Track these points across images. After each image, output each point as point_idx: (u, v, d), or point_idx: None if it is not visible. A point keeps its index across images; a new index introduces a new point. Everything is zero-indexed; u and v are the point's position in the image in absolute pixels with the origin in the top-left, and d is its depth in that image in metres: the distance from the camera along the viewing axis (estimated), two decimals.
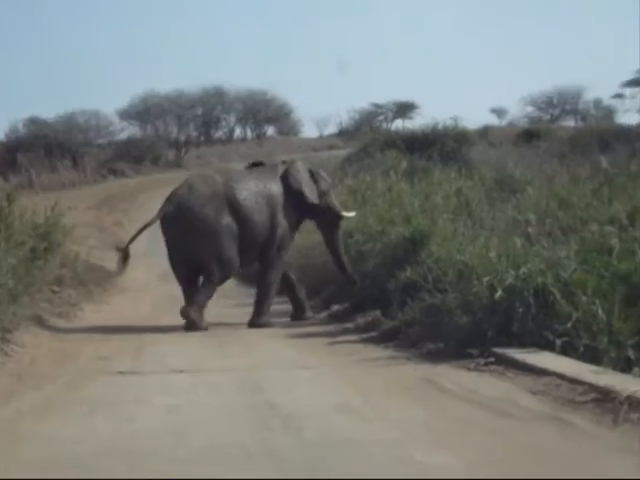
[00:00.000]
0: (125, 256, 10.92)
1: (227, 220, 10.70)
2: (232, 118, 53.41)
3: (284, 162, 11.94)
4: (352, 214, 12.12)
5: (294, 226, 11.48)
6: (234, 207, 10.77)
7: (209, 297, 10.75)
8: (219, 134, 52.99)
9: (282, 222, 11.14)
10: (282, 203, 11.17)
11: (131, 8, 75.29)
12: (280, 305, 11.60)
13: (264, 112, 53.03)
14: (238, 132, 54.28)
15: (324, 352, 8.61)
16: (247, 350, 8.96)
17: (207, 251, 10.61)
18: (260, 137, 52.57)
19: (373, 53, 76.89)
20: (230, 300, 12.73)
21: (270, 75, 79.61)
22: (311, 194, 11.38)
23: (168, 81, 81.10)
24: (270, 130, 55.39)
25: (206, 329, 10.41)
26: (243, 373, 7.39)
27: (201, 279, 10.85)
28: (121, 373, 7.47)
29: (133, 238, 11.08)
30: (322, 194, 11.64)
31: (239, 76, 67.50)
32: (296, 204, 11.27)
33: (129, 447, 4.94)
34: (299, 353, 8.67)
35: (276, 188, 11.21)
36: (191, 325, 10.38)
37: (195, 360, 8.28)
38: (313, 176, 11.68)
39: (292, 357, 8.46)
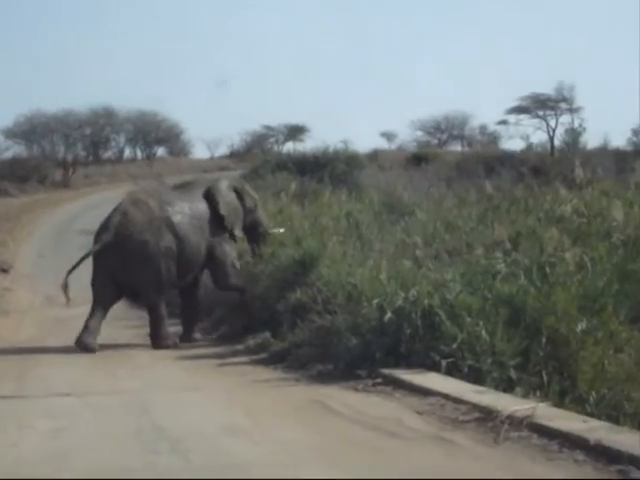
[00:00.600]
0: (65, 286, 10.72)
1: (165, 244, 10.72)
2: (122, 138, 52.85)
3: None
4: (280, 230, 12.22)
5: (228, 241, 11.47)
6: (171, 230, 10.80)
7: (164, 320, 10.78)
8: (108, 154, 52.33)
9: (215, 240, 11.21)
10: (210, 222, 11.23)
11: (17, 24, 73.56)
12: (172, 327, 11.46)
13: (154, 133, 52.61)
14: (128, 152, 53.75)
15: (213, 374, 8.57)
16: (135, 372, 8.84)
17: (146, 277, 10.62)
18: (150, 158, 52.07)
19: (265, 75, 77.16)
20: (121, 322, 12.51)
21: (160, 95, 78.91)
22: (228, 216, 11.38)
23: (56, 100, 79.27)
24: (160, 151, 54.99)
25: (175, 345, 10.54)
26: (131, 395, 7.28)
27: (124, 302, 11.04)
28: (2, 397, 7.26)
29: (72, 269, 10.88)
30: (248, 211, 11.74)
31: (128, 96, 66.74)
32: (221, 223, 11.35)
33: (12, 474, 4.80)
34: (188, 375, 8.60)
35: (203, 208, 11.27)
36: (87, 350, 10.13)
37: (81, 382, 8.11)
38: (238, 194, 11.72)
39: (181, 379, 8.38)
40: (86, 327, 10.38)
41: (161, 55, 78.10)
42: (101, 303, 10.73)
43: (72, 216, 31.49)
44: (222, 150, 55.03)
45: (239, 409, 6.61)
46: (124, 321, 12.71)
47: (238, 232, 11.56)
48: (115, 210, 10.96)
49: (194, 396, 7.30)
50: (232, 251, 11.47)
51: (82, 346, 10.16)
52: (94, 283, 10.86)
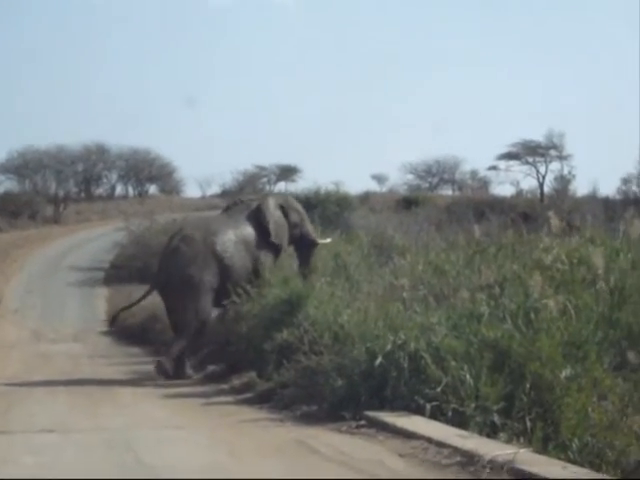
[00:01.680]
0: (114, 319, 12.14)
1: (209, 277, 11.17)
2: (114, 175, 53.06)
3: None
4: (328, 240, 12.92)
5: (275, 258, 11.96)
6: (216, 260, 11.27)
7: (183, 348, 11.05)
8: (100, 191, 52.49)
9: (264, 261, 11.67)
10: (259, 242, 11.73)
11: (10, 59, 73.91)
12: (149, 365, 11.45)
13: (147, 170, 52.84)
14: (119, 189, 53.92)
15: (198, 413, 8.55)
16: (119, 410, 8.81)
17: (188, 307, 11.03)
18: (142, 195, 52.22)
19: (259, 115, 77.64)
20: (104, 359, 12.50)
21: (153, 133, 79.30)
22: (277, 235, 11.88)
23: (49, 136, 79.55)
24: (152, 188, 55.18)
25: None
26: (114, 433, 7.27)
27: None
28: None
29: (129, 306, 12.16)
30: (294, 225, 12.28)
31: (122, 133, 67.24)
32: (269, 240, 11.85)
33: None
34: (172, 413, 8.58)
35: (250, 230, 11.75)
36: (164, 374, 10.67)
37: (66, 419, 8.10)
38: (284, 210, 12.22)
39: (165, 417, 8.36)
40: (168, 353, 10.94)
41: (154, 94, 78.51)
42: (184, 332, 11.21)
43: (62, 252, 31.55)
44: (214, 189, 55.27)
45: (222, 448, 6.60)
46: (108, 358, 12.70)
47: (286, 246, 12.17)
48: (166, 247, 11.71)
49: (178, 435, 7.28)
50: (270, 264, 11.83)
51: (161, 370, 10.67)
52: (169, 317, 11.59)
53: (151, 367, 11.11)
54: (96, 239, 34.52)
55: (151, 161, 53.18)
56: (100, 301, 22.98)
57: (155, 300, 16.39)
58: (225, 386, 9.98)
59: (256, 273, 11.52)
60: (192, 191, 57.30)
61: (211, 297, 11.27)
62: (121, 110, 75.14)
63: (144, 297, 11.83)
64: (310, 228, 12.77)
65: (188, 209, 41.74)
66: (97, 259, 29.72)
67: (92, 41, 79.06)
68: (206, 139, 74.21)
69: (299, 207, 12.80)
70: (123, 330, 17.15)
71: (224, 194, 52.04)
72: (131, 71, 80.00)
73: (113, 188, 53.67)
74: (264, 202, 12.21)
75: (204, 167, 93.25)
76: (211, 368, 11.21)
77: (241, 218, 11.91)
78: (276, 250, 12.01)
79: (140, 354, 14.05)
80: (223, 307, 11.57)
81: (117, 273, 26.22)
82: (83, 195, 50.22)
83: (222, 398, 9.36)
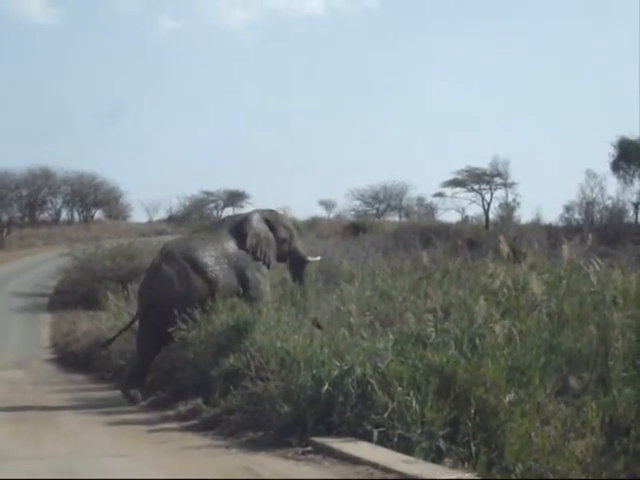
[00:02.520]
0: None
1: (195, 291, 11.14)
2: (59, 200, 52.51)
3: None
4: (317, 259, 12.79)
5: (260, 269, 11.88)
6: (199, 275, 11.27)
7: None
8: (44, 216, 51.87)
9: (251, 276, 11.63)
10: (243, 256, 11.70)
11: None
12: (99, 392, 11.32)
13: (92, 195, 52.38)
14: (65, 214, 53.35)
15: (142, 440, 8.45)
16: (63, 437, 8.68)
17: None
18: (87, 220, 51.72)
19: (207, 140, 77.57)
20: (47, 386, 12.31)
21: (99, 158, 78.69)
22: (255, 246, 11.84)
23: None
24: (98, 213, 54.70)
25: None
26: (58, 460, 7.16)
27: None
28: None
29: (128, 326, 11.92)
30: (282, 241, 12.23)
31: (67, 158, 66.70)
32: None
33: None
34: (117, 441, 8.47)
35: (232, 244, 11.72)
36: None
37: (8, 447, 7.96)
38: (270, 224, 12.19)
39: (109, 445, 8.25)
40: (130, 379, 10.98)
41: (99, 118, 77.97)
42: (146, 357, 11.28)
43: (4, 278, 31.07)
44: (161, 214, 54.96)
45: (166, 476, 6.53)
46: (52, 385, 12.51)
47: (272, 261, 12.06)
48: (149, 268, 11.80)
49: (122, 462, 7.20)
50: (262, 281, 11.83)
51: (128, 398, 10.71)
52: (138, 339, 11.50)
53: (95, 394, 10.99)
54: (40, 265, 34.07)
55: (97, 186, 52.78)
56: (44, 327, 22.66)
57: (101, 326, 16.29)
58: (170, 412, 9.90)
59: (245, 288, 11.51)
60: (139, 216, 56.89)
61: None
62: (67, 134, 74.50)
63: (135, 319, 11.77)
64: (300, 245, 12.75)
65: (135, 234, 41.38)
66: (41, 285, 29.32)
67: (36, 62, 78.38)
68: (153, 164, 73.97)
69: (289, 223, 12.80)
70: (67, 357, 16.94)
71: (171, 219, 51.83)
72: (77, 94, 79.49)
73: (58, 213, 53.18)
74: (248, 215, 12.29)
75: (151, 192, 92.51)
76: (157, 394, 11.11)
77: (223, 233, 11.93)
78: (265, 265, 11.96)
79: (84, 381, 13.88)
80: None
81: (61, 299, 25.89)
82: (27, 220, 49.57)
83: (167, 425, 9.28)
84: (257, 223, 12.09)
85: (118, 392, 11.38)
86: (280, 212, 13.17)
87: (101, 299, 19.61)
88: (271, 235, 12.15)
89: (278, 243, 12.21)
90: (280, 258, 12.38)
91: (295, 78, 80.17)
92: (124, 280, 20.07)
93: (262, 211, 12.61)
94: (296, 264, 12.49)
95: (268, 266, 12.03)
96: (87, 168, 53.25)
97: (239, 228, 11.93)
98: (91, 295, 22.95)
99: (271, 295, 11.82)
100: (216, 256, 11.52)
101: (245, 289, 11.50)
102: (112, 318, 16.27)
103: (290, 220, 13.12)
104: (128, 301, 15.93)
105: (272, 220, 12.38)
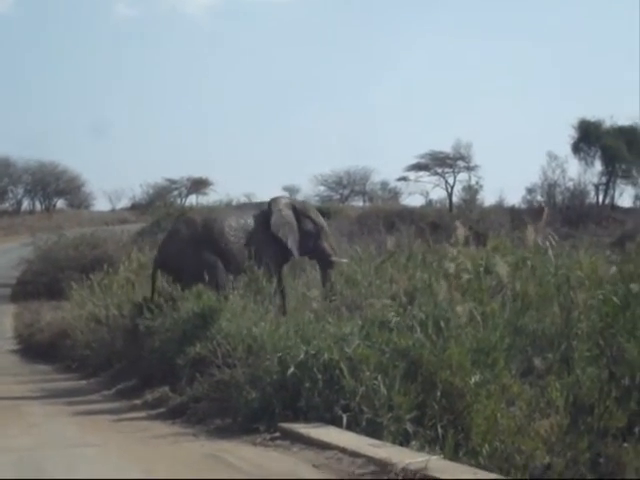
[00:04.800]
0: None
1: (206, 257, 11.15)
2: (20, 190, 51.94)
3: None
4: (344, 261, 12.15)
5: (282, 260, 11.78)
6: (213, 243, 11.29)
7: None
8: (5, 206, 51.29)
9: (268, 258, 11.31)
10: (264, 238, 11.53)
11: None
12: (64, 382, 11.25)
13: (54, 184, 51.84)
14: (26, 204, 52.80)
15: (109, 430, 8.41)
16: (28, 429, 8.60)
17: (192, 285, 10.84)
18: (49, 209, 51.20)
19: (170, 128, 77.03)
20: (11, 377, 12.21)
21: (61, 147, 77.83)
22: (277, 225, 11.69)
23: None
24: (60, 203, 54.17)
25: None
26: (23, 453, 7.09)
27: None
28: None
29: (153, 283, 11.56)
30: (308, 234, 11.90)
31: (28, 147, 66.02)
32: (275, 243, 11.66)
33: None
34: (83, 431, 8.42)
35: (253, 222, 11.66)
36: None
37: None
38: (296, 213, 11.91)
39: (76, 435, 8.20)
40: None
41: (62, 107, 77.13)
42: None
43: None
44: (124, 203, 54.55)
45: (134, 465, 6.51)
46: (16, 376, 12.42)
47: (294, 250, 11.80)
48: (169, 231, 12.23)
49: (89, 453, 7.15)
50: (279, 257, 11.69)
51: None
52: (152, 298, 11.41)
53: (60, 384, 10.92)
54: (2, 255, 33.74)
55: (59, 175, 52.22)
56: (7, 318, 22.48)
57: (65, 316, 16.18)
58: (137, 401, 9.86)
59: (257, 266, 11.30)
60: (101, 205, 56.41)
61: (217, 272, 11.18)
62: (28, 124, 73.62)
63: (154, 281, 11.63)
64: (328, 245, 12.22)
65: (98, 223, 41.09)
66: (3, 275, 29.05)
67: None
68: (115, 152, 73.35)
69: (319, 219, 12.34)
70: (31, 347, 16.82)
71: (134, 207, 51.45)
72: (39, 83, 78.53)
73: (19, 203, 52.62)
74: (276, 198, 12.21)
75: (114, 180, 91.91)
76: (123, 383, 11.07)
77: (249, 211, 11.97)
78: (283, 251, 11.74)
79: (49, 371, 13.79)
80: None
81: (24, 289, 25.68)
82: None
83: (134, 414, 9.25)
84: (283, 207, 11.95)
85: (84, 382, 11.34)
86: (309, 204, 13.03)
87: (65, 289, 19.44)
88: (295, 223, 11.91)
89: (301, 234, 11.93)
90: (303, 251, 12.06)
91: (258, 63, 79.85)
92: (88, 269, 19.89)
93: (293, 198, 12.61)
94: (321, 264, 12.16)
95: (287, 253, 11.80)
96: (48, 157, 52.80)
97: (265, 211, 11.83)
98: (54, 285, 22.80)
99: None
100: (235, 229, 11.52)
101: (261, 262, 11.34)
102: (76, 308, 16.14)
103: (321, 216, 12.60)
104: (92, 290, 15.80)
105: (299, 209, 12.15)
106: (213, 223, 11.49)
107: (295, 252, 11.86)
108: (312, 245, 12.03)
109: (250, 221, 11.66)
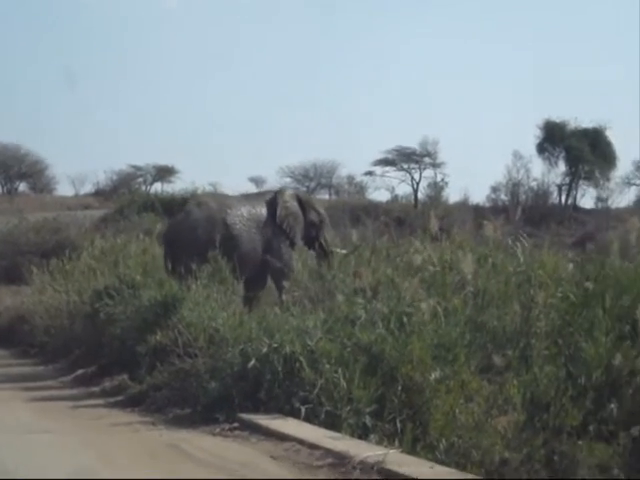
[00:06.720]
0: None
1: (217, 241, 11.02)
2: None
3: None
4: (343, 251, 12.27)
5: (286, 245, 11.89)
6: (225, 229, 11.36)
7: None
8: None
9: (277, 249, 11.70)
10: (272, 229, 11.77)
11: None
12: (21, 367, 11.13)
13: (16, 167, 51.24)
14: None
15: (66, 416, 8.34)
16: None
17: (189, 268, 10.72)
18: (11, 193, 50.60)
19: (136, 114, 76.48)
20: None
21: (24, 129, 76.99)
22: (283, 217, 11.88)
23: None
24: (22, 186, 53.54)
25: None
26: None
27: None
28: None
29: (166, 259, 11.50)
30: (311, 224, 12.23)
31: None
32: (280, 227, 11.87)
33: None
34: (39, 417, 8.33)
35: (264, 213, 11.85)
36: None
37: None
38: (302, 204, 12.19)
39: (31, 421, 8.10)
40: None
41: (26, 86, 76.32)
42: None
43: None
44: (87, 188, 54.02)
45: (91, 453, 6.49)
46: None
47: (297, 239, 12.04)
48: (182, 211, 12.09)
49: (45, 439, 7.10)
50: (288, 254, 11.86)
51: None
52: (166, 272, 11.30)
53: (17, 369, 10.81)
54: None
55: (21, 158, 51.60)
56: None
57: (25, 301, 16.00)
58: (96, 389, 9.78)
59: (270, 256, 11.54)
60: (65, 189, 55.72)
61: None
62: None
63: (166, 259, 11.61)
64: (328, 237, 12.59)
65: (60, 208, 40.62)
66: None
67: None
68: (80, 136, 72.64)
69: (321, 211, 12.75)
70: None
71: (98, 193, 50.98)
72: (3, 64, 77.56)
73: None
74: (282, 189, 12.46)
75: (77, 165, 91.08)
76: (82, 370, 10.97)
77: (259, 201, 12.10)
78: (289, 241, 11.96)
79: (6, 356, 13.62)
80: None
81: None
82: None
83: (92, 401, 9.17)
84: (289, 197, 12.20)
85: (42, 368, 11.23)
86: (314, 198, 13.22)
87: (25, 273, 19.22)
88: (300, 214, 12.19)
89: (306, 225, 12.25)
90: (306, 242, 12.33)
91: (227, 53, 79.47)
92: (49, 254, 19.65)
93: (298, 189, 12.70)
94: (321, 255, 12.32)
95: (293, 243, 12.03)
96: (10, 139, 52.17)
97: (272, 200, 12.05)
98: (14, 269, 22.46)
99: (296, 269, 11.76)
100: (247, 218, 11.69)
101: (270, 257, 11.54)
102: (36, 293, 15.97)
103: (322, 208, 12.99)
104: (53, 276, 15.64)
105: (305, 200, 12.51)
106: (227, 209, 11.67)
107: (299, 242, 12.17)
108: (315, 234, 12.41)
109: (260, 212, 11.88)
